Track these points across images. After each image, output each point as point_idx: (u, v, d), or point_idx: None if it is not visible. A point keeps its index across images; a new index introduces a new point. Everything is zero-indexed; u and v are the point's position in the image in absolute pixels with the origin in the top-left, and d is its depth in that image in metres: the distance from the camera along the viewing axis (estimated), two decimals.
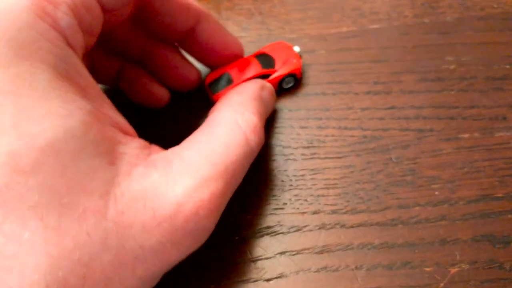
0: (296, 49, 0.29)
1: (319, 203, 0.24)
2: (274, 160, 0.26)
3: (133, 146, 0.19)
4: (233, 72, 0.27)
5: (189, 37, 0.26)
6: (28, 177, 0.15)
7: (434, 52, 0.29)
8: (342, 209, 0.24)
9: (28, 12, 0.17)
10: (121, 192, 0.17)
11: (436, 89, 0.28)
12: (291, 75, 0.28)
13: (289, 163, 0.26)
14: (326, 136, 0.27)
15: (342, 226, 0.24)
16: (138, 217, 0.17)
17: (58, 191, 0.16)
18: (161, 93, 0.27)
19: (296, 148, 0.26)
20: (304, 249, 0.23)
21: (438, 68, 0.29)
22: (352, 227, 0.24)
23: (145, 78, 0.27)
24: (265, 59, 0.28)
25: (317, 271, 0.22)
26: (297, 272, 0.22)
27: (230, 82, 0.27)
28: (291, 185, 0.25)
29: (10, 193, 0.15)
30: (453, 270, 0.22)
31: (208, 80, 0.27)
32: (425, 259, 0.22)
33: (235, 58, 0.27)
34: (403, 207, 0.24)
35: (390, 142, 0.26)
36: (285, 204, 0.24)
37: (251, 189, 0.25)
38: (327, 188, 0.25)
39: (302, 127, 0.27)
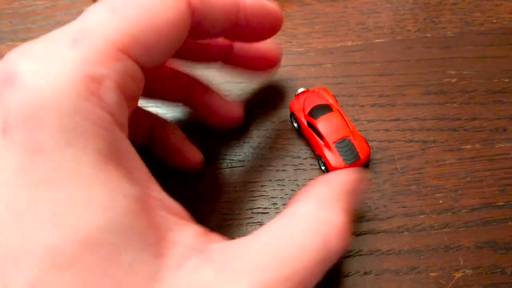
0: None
1: None
2: (284, 170, 0.27)
3: (187, 234, 0.17)
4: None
5: (229, 52, 0.26)
6: (64, 273, 0.14)
7: (436, 66, 0.31)
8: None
9: (73, 95, 0.16)
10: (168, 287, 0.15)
11: (438, 101, 0.29)
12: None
13: (298, 173, 0.27)
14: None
15: (352, 233, 0.25)
16: None
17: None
18: (193, 155, 0.26)
19: (305, 159, 0.27)
20: None
21: (440, 82, 0.30)
22: (361, 234, 0.25)
23: (174, 137, 0.26)
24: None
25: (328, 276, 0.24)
26: None
27: (329, 110, 0.27)
28: None
29: None
30: (457, 275, 0.23)
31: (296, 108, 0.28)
32: (431, 264, 0.23)
33: (276, 62, 0.28)
34: (409, 215, 0.25)
35: (396, 153, 0.27)
36: None
37: (263, 199, 0.26)
38: None
39: None
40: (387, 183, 0.26)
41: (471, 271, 0.23)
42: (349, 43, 0.33)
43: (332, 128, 0.26)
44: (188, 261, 0.16)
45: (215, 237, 0.18)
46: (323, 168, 0.26)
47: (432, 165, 0.27)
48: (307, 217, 0.18)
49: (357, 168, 0.25)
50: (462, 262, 0.24)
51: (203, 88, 0.27)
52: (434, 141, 0.27)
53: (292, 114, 0.28)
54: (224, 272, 0.16)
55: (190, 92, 0.27)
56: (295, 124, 0.28)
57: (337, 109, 0.27)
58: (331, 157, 0.25)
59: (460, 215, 0.25)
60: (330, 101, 0.28)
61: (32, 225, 0.15)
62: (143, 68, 0.19)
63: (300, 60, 0.32)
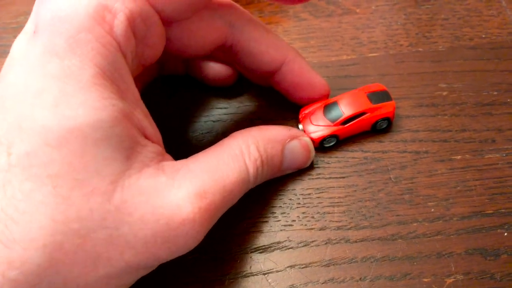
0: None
1: (325, 220, 0.26)
2: (282, 180, 0.28)
3: (149, 149, 0.21)
4: (342, 103, 0.29)
5: (275, 75, 0.28)
6: (53, 150, 0.18)
7: (428, 79, 0.32)
8: (346, 225, 0.26)
9: (89, 17, 0.20)
10: (129, 183, 0.20)
11: (430, 113, 0.30)
12: (384, 118, 0.29)
13: (296, 182, 0.28)
14: (330, 157, 0.29)
15: (347, 241, 0.26)
16: (138, 209, 0.20)
17: (75, 168, 0.18)
18: (225, 70, 0.31)
19: (302, 169, 0.28)
20: (312, 262, 0.25)
21: (432, 94, 0.31)
22: (356, 242, 0.26)
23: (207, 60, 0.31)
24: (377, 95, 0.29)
25: (325, 282, 0.24)
26: (306, 284, 0.24)
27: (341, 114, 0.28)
28: (299, 203, 0.27)
29: (35, 160, 0.18)
30: (449, 281, 0.24)
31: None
32: (423, 270, 0.24)
33: (320, 98, 0.29)
34: (402, 223, 0.26)
35: (389, 163, 0.28)
36: (293, 221, 0.27)
37: (262, 208, 0.27)
38: (332, 206, 0.27)
39: None
40: (382, 192, 0.27)
41: (462, 276, 0.24)
42: (344, 57, 0.34)
43: (352, 104, 0.29)
44: (147, 168, 0.21)
45: (168, 157, 0.23)
46: (384, 126, 0.29)
47: (425, 175, 0.28)
48: (234, 146, 0.24)
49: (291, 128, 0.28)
50: (453, 268, 0.24)
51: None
52: (426, 152, 0.29)
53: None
54: (174, 179, 0.21)
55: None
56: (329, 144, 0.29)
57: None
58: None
59: (451, 223, 0.26)
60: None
61: (38, 106, 0.19)
62: (163, 15, 0.22)
63: None
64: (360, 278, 0.24)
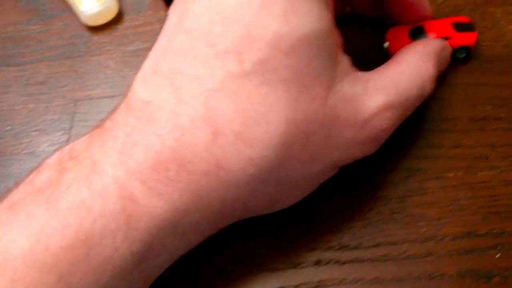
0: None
1: (315, 240, 0.26)
2: None
3: (345, 59, 0.24)
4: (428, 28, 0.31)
5: None
6: (285, 57, 0.20)
7: None
8: (336, 246, 0.26)
9: None
10: (337, 90, 0.22)
11: (422, 129, 0.30)
12: (465, 47, 0.31)
13: None
14: None
15: (336, 262, 0.25)
16: (343, 113, 0.22)
17: (302, 74, 0.21)
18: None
19: None
20: (301, 284, 0.25)
21: (425, 109, 0.31)
22: (345, 263, 0.25)
23: None
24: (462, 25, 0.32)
25: None
26: None
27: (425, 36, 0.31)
28: None
29: (269, 65, 0.20)
30: None
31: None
32: None
33: (425, 19, 0.32)
34: (393, 243, 0.26)
35: (380, 181, 0.28)
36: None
37: (250, 226, 0.26)
38: (323, 225, 0.26)
39: None
40: (372, 211, 0.27)
41: None
42: None
43: (437, 29, 0.31)
44: (347, 76, 0.23)
45: (356, 68, 0.24)
46: (464, 55, 0.32)
47: (416, 193, 0.27)
48: (413, 63, 0.26)
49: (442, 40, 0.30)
50: None
51: None
52: (417, 169, 0.28)
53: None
54: (367, 89, 0.23)
55: None
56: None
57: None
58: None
59: (442, 243, 0.25)
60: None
61: (266, 16, 0.20)
62: None
63: None
64: None
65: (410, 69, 0.26)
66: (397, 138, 0.29)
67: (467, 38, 0.31)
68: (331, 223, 0.26)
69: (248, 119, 0.20)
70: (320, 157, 0.22)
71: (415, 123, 0.30)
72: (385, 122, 0.24)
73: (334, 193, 0.27)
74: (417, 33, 0.31)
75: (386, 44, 0.32)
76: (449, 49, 0.30)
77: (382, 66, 0.26)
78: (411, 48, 0.27)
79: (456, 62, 0.32)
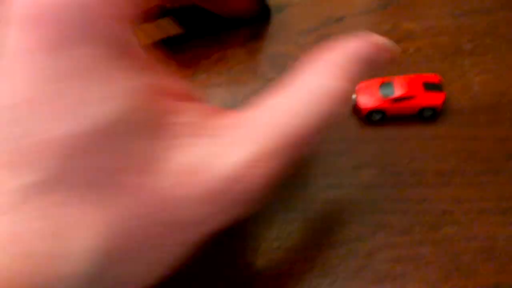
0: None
1: None
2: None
3: (190, 114, 0.19)
4: (396, 84, 0.32)
5: None
6: (79, 160, 0.16)
7: (391, 147, 0.32)
8: None
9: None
10: (162, 167, 0.18)
11: (391, 183, 0.31)
12: (431, 107, 0.33)
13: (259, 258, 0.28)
14: (291, 231, 0.29)
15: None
16: (182, 189, 0.18)
17: (107, 170, 0.17)
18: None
19: (264, 241, 0.29)
20: None
21: (394, 162, 0.32)
22: None
23: None
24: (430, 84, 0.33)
25: None
26: None
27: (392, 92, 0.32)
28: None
29: (63, 173, 0.16)
30: None
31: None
32: None
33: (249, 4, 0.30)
34: None
35: (348, 235, 0.29)
36: None
37: (231, 251, 0.27)
38: (287, 283, 0.27)
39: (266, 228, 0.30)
40: (339, 267, 0.28)
41: None
42: None
43: (406, 86, 0.32)
44: (189, 139, 0.18)
45: (223, 112, 0.20)
46: (429, 114, 0.33)
47: (383, 248, 0.28)
48: (313, 85, 0.20)
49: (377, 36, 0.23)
50: None
51: None
52: (385, 225, 0.29)
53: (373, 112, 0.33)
54: (225, 143, 0.18)
55: None
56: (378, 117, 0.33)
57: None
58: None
59: None
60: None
61: (52, 116, 0.16)
62: None
63: None
64: None
65: (305, 93, 0.20)
66: (365, 192, 0.30)
67: (434, 99, 0.33)
68: (295, 279, 0.27)
69: (53, 236, 0.16)
70: (170, 245, 0.18)
71: (382, 176, 0.31)
72: (255, 181, 0.18)
73: (304, 249, 0.28)
74: (385, 88, 0.33)
75: (354, 96, 0.33)
76: (385, 46, 0.22)
77: (271, 93, 0.20)
78: (316, 60, 0.21)
79: (422, 120, 0.33)
